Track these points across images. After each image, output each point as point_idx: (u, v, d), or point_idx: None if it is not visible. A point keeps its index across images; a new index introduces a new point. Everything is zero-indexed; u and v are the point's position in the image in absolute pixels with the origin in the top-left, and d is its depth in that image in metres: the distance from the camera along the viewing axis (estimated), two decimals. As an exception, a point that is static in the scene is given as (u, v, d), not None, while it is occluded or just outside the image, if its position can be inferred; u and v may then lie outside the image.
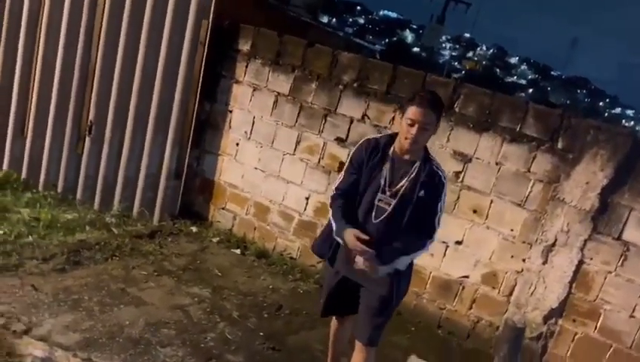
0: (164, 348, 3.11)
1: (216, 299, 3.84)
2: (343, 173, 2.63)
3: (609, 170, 3.59)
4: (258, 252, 4.73)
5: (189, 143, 4.85)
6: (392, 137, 2.56)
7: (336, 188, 2.63)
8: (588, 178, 3.65)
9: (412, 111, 2.39)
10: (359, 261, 2.49)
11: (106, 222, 4.66)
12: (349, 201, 2.58)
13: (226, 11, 4.68)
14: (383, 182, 2.50)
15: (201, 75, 4.67)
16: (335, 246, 2.65)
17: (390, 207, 2.49)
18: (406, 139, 2.42)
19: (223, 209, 5.04)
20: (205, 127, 4.98)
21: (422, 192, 2.47)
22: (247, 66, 4.77)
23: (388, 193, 2.49)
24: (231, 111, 4.89)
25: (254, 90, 4.76)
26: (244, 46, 4.75)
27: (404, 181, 2.48)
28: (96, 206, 4.99)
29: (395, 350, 3.61)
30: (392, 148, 2.52)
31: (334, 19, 53.95)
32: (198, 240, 4.76)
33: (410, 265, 2.65)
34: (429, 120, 2.39)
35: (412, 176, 2.48)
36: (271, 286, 4.23)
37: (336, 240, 2.59)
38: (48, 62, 5.00)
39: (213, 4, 4.49)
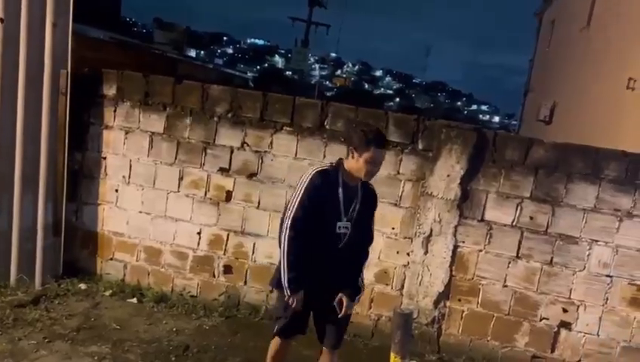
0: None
1: (118, 352, 3.69)
2: (295, 205, 2.68)
3: (463, 161, 4.08)
4: (156, 297, 4.59)
5: (64, 197, 4.60)
6: (337, 168, 2.79)
7: (294, 225, 2.68)
8: (448, 171, 4.11)
9: (376, 152, 2.66)
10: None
11: (-21, 297, 4.25)
12: (306, 242, 2.70)
13: (87, 58, 4.57)
14: (341, 210, 2.74)
15: (67, 124, 4.47)
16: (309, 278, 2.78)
17: (348, 230, 2.77)
18: (366, 174, 2.70)
19: (111, 259, 4.83)
20: (79, 177, 4.77)
21: (365, 209, 2.83)
22: (115, 110, 4.66)
23: (345, 219, 2.76)
24: (105, 158, 4.74)
25: (127, 133, 4.67)
26: (110, 91, 4.65)
27: (353, 204, 2.77)
28: (-36, 282, 4.51)
29: (305, 364, 3.71)
30: (340, 178, 2.75)
31: (202, 52, 53.68)
32: (89, 296, 4.51)
33: None
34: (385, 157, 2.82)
35: (359, 198, 2.79)
36: (175, 329, 4.14)
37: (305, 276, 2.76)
38: None
39: (70, 53, 4.35)
